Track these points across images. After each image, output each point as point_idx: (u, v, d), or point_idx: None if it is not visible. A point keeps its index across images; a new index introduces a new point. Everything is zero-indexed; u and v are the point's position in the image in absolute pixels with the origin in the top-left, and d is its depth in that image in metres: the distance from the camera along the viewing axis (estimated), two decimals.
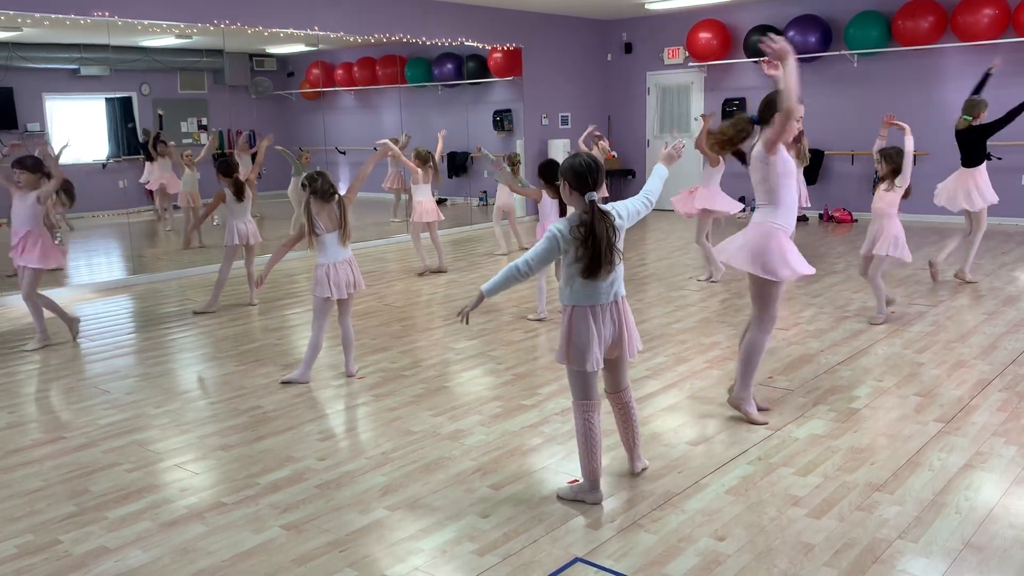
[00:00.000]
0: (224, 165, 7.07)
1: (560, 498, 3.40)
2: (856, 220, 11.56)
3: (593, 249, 3.06)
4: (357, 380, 5.12)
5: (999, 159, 7.83)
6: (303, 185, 4.91)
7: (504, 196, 9.73)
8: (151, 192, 11.18)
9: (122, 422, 4.50)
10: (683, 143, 3.57)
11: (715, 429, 4.15)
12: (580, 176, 3.10)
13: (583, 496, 3.36)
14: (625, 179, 14.05)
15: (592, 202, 3.08)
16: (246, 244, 7.10)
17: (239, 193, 6.98)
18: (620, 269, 3.21)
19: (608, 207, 3.17)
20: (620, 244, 3.16)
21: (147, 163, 10.84)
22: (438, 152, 8.84)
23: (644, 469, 3.63)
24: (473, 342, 5.93)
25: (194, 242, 10.22)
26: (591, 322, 3.18)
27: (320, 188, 4.83)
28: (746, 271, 4.03)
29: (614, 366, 3.41)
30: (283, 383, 5.06)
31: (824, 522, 3.17)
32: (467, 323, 3.28)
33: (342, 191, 5.02)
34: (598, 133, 10.14)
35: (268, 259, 5.12)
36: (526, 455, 3.89)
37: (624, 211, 3.24)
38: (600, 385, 3.39)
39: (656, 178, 3.40)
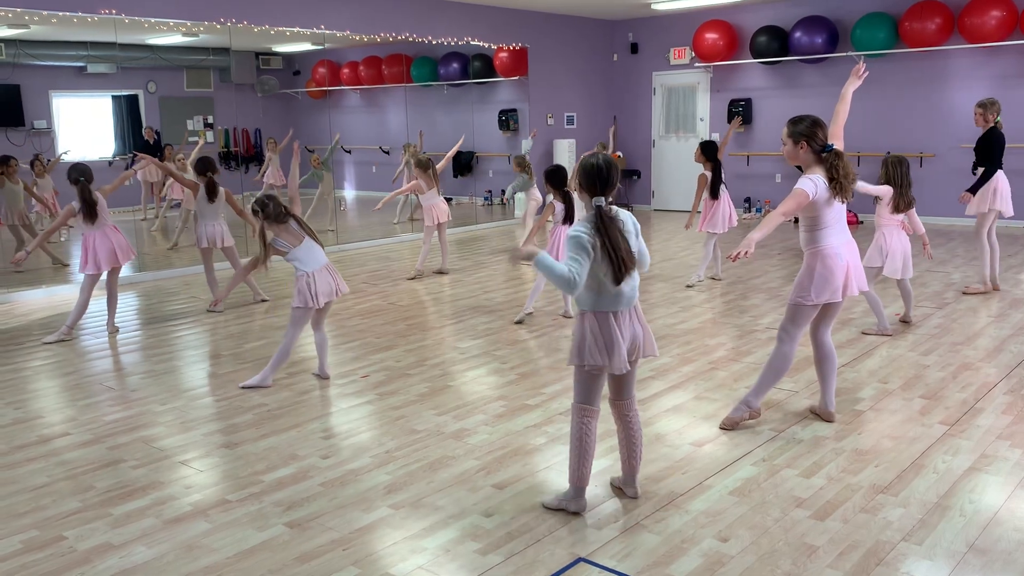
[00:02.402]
0: (200, 163, 6.97)
1: (545, 506, 3.35)
2: (862, 222, 11.53)
3: (611, 256, 3.00)
4: (361, 379, 5.13)
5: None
6: (254, 211, 4.80)
7: (534, 194, 9.73)
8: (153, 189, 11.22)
9: (127, 419, 4.52)
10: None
11: (719, 430, 4.14)
12: (592, 178, 3.05)
13: (566, 504, 3.30)
14: (630, 180, 14.04)
15: (599, 207, 3.03)
16: (215, 247, 7.02)
17: (211, 193, 6.87)
18: (636, 275, 3.15)
19: (620, 214, 3.10)
20: (633, 246, 3.10)
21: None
22: (448, 156, 8.85)
23: (634, 497, 3.40)
24: (477, 341, 5.93)
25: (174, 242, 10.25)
26: (613, 325, 3.12)
27: (272, 213, 4.75)
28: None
29: (625, 374, 3.30)
30: (241, 388, 4.98)
31: (828, 524, 3.17)
32: (513, 265, 3.13)
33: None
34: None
35: (232, 278, 5.05)
36: (530, 455, 3.89)
37: (635, 225, 3.16)
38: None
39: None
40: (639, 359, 3.30)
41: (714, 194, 7.57)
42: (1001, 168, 6.90)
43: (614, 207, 3.10)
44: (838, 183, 3.80)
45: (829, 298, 3.93)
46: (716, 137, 12.07)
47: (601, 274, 3.06)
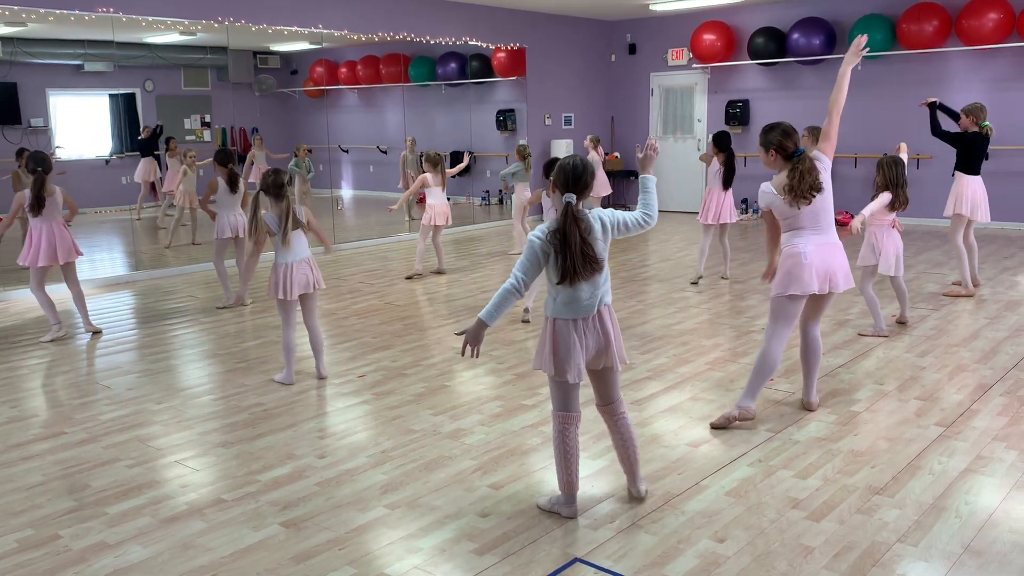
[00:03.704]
0: (221, 154, 7.11)
1: (539, 508, 3.34)
2: None
3: (565, 254, 2.99)
4: (357, 379, 5.13)
5: None
6: (259, 182, 4.86)
7: (522, 191, 9.59)
8: (153, 188, 11.20)
9: (123, 418, 4.51)
10: (655, 140, 3.47)
11: (715, 431, 4.15)
12: (567, 177, 3.05)
13: (559, 509, 3.29)
14: (628, 180, 14.04)
15: (568, 204, 3.02)
16: (236, 237, 7.11)
17: (232, 184, 7.00)
18: (604, 279, 3.13)
19: (591, 213, 3.10)
20: (600, 251, 3.07)
21: (149, 159, 10.83)
22: (454, 171, 8.86)
23: (644, 495, 3.41)
24: None
25: (168, 240, 10.26)
26: (573, 334, 3.10)
27: (272, 184, 4.75)
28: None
29: (602, 377, 3.28)
30: (273, 380, 5.08)
31: (824, 525, 3.17)
32: (477, 356, 3.12)
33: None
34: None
35: (244, 271, 5.11)
36: (526, 455, 3.89)
37: (610, 220, 3.15)
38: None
39: (647, 193, 3.30)
40: (611, 367, 3.24)
41: (727, 184, 7.70)
42: (979, 175, 6.95)
43: (585, 209, 3.09)
44: (791, 187, 3.90)
45: (794, 291, 4.01)
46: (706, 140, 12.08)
47: (552, 272, 3.07)
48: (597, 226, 3.10)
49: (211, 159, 7.32)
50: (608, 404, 3.34)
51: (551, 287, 3.12)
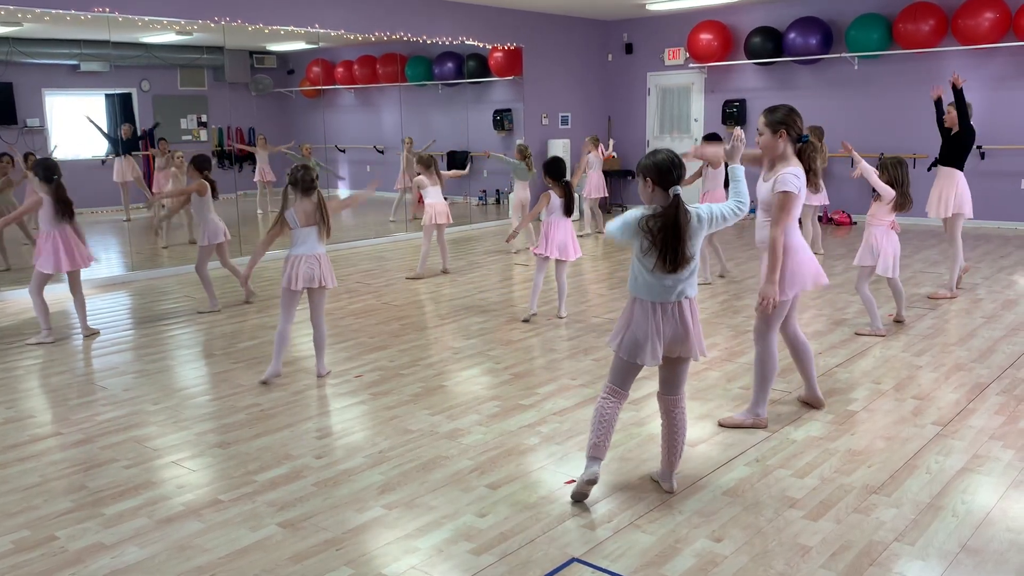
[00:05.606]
0: (201, 160, 6.94)
1: (574, 500, 3.36)
2: (855, 223, 11.56)
3: (663, 244, 3.07)
4: (355, 379, 5.12)
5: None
6: (287, 176, 4.92)
7: (521, 191, 9.64)
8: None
9: (120, 418, 4.50)
10: (740, 130, 3.52)
11: (712, 431, 4.15)
12: (663, 171, 3.12)
13: (581, 481, 3.32)
14: (624, 180, 14.05)
15: (677, 196, 3.09)
16: (227, 239, 7.05)
17: (215, 189, 6.94)
18: (688, 272, 3.18)
19: (690, 208, 3.16)
20: (693, 247, 3.15)
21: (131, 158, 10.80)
22: (451, 174, 8.83)
23: (675, 489, 3.46)
24: (471, 341, 5.93)
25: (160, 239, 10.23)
26: (651, 318, 3.17)
27: (300, 180, 4.83)
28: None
29: (673, 367, 3.35)
30: (261, 383, 5.03)
31: (821, 524, 3.17)
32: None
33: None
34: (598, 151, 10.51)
35: (249, 259, 5.16)
36: (524, 455, 3.89)
37: (707, 214, 3.21)
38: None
39: (737, 182, 3.37)
40: (686, 358, 3.31)
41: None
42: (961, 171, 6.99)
43: (690, 205, 3.15)
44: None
45: (798, 290, 3.97)
46: (696, 142, 12.09)
47: (642, 257, 3.14)
48: (695, 222, 3.17)
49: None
50: (672, 395, 3.41)
51: (636, 266, 3.20)
